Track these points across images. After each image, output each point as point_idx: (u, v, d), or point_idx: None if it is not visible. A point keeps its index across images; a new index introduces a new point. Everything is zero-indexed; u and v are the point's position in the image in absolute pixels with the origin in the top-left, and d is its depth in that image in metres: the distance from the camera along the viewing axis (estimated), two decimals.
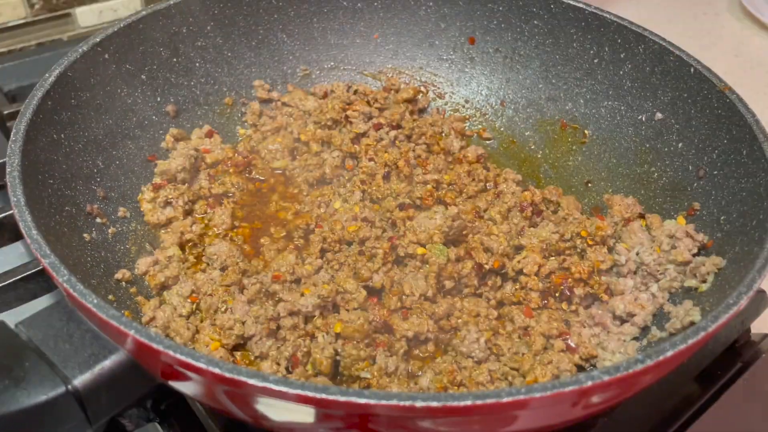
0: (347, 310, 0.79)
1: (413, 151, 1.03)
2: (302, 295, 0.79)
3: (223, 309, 0.79)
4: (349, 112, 1.06)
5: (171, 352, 0.52)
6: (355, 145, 1.02)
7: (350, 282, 0.80)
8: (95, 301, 0.55)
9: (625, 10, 1.00)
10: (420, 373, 0.76)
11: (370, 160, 0.99)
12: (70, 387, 0.55)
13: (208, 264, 0.86)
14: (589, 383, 0.52)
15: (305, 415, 0.54)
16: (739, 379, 0.83)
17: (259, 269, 0.85)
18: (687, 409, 0.79)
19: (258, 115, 1.08)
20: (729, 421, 0.80)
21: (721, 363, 0.85)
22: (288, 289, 0.81)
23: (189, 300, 0.80)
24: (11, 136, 0.72)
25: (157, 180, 0.93)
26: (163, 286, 0.83)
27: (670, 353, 0.54)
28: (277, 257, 0.85)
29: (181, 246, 0.88)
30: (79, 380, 0.56)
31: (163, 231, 0.90)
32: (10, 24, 1.29)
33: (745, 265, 0.69)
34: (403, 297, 0.81)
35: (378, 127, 1.05)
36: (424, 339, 0.79)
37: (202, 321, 0.78)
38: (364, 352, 0.74)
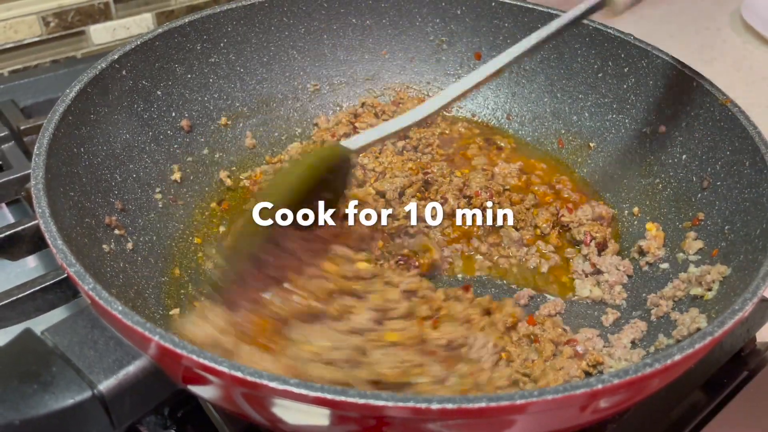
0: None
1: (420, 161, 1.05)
2: None
3: None
4: (357, 124, 1.08)
5: (194, 357, 0.54)
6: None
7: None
8: (120, 308, 0.57)
9: (628, 26, 1.02)
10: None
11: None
12: (95, 392, 0.57)
13: None
14: (600, 386, 0.53)
15: (320, 417, 0.55)
16: (744, 387, 0.84)
17: None
18: (693, 418, 0.80)
19: None
20: (735, 429, 0.81)
21: (726, 371, 0.86)
22: None
23: None
24: (35, 149, 0.74)
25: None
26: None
27: (678, 357, 0.56)
28: None
29: None
30: (104, 385, 0.57)
31: None
32: (26, 41, 1.32)
33: (749, 272, 0.70)
34: None
35: None
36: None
37: None
38: (418, 357, 0.71)
